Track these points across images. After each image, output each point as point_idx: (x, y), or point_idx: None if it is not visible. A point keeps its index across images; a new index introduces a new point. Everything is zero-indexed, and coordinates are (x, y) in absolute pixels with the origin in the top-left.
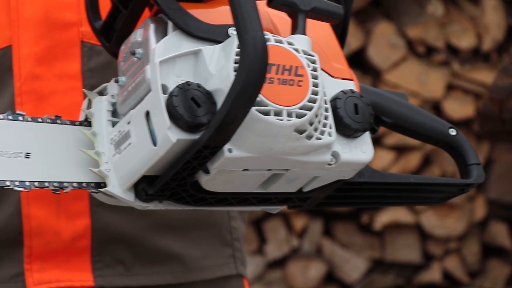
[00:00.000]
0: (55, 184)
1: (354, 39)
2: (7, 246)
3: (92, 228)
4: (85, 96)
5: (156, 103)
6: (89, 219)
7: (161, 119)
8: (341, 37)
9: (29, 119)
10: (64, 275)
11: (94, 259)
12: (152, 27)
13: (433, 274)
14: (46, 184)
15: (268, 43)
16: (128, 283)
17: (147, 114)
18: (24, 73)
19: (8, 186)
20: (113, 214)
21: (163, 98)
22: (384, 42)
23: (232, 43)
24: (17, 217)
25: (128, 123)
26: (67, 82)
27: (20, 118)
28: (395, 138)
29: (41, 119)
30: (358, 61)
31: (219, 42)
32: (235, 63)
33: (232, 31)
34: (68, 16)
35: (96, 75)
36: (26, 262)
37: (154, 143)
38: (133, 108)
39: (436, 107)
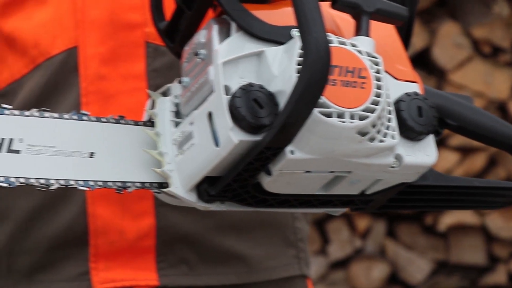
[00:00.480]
0: (118, 184)
1: (418, 39)
2: (73, 245)
3: (157, 228)
4: (149, 96)
5: (219, 104)
6: (153, 219)
7: (224, 120)
8: (406, 39)
9: (93, 119)
10: (129, 274)
11: (159, 258)
12: (215, 28)
13: (499, 276)
14: (110, 183)
15: (331, 45)
16: (193, 283)
17: (210, 115)
18: (89, 74)
19: (72, 185)
20: (177, 214)
21: (225, 99)
22: (449, 42)
23: (295, 44)
24: (83, 217)
25: (191, 123)
26: (132, 83)
27: (85, 118)
28: (460, 139)
29: (105, 119)
30: (422, 62)
31: (282, 44)
32: (298, 64)
33: (295, 33)
34: (133, 17)
35: (161, 76)
36: (92, 261)
37: (217, 144)
38: (196, 108)
39: (501, 108)
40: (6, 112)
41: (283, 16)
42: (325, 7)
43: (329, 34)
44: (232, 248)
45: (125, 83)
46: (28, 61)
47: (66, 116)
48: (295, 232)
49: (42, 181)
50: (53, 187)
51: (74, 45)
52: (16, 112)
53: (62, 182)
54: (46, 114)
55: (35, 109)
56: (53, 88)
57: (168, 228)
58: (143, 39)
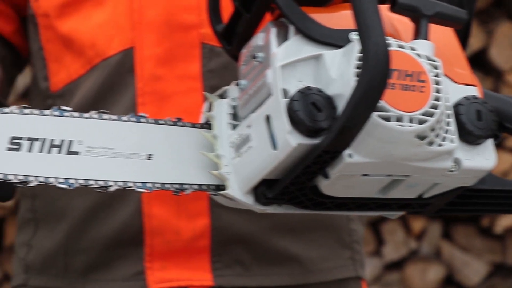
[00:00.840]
0: (176, 186)
1: (475, 39)
2: (128, 244)
3: (212, 228)
4: (206, 98)
5: (277, 107)
6: (208, 219)
7: (282, 124)
8: (463, 41)
9: (151, 121)
10: (184, 274)
11: (214, 259)
12: (273, 31)
13: None
14: (167, 185)
15: (390, 48)
16: (247, 284)
17: (268, 118)
18: (146, 74)
19: (131, 187)
20: (233, 214)
21: (283, 102)
22: (506, 43)
23: (354, 48)
24: (138, 216)
25: (249, 126)
26: (188, 83)
27: (143, 120)
28: None
29: (163, 121)
30: (479, 62)
31: (340, 47)
32: (357, 68)
33: (353, 36)
34: (189, 18)
35: (216, 76)
36: (147, 261)
37: (274, 147)
38: (253, 111)
39: None
40: (66, 114)
41: (341, 19)
42: (384, 10)
43: (388, 37)
44: (287, 249)
45: (181, 84)
46: (85, 61)
47: (124, 118)
48: (350, 233)
49: (100, 182)
50: (111, 189)
51: (131, 46)
52: (76, 114)
53: (120, 183)
54: (105, 116)
55: (94, 111)
56: (109, 88)
57: (223, 229)
58: (198, 40)
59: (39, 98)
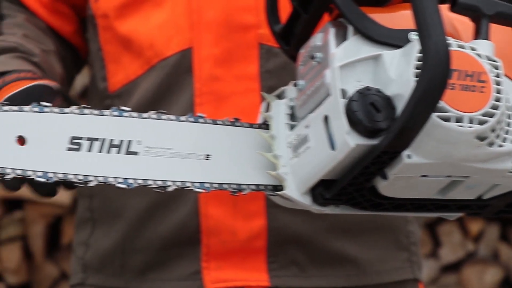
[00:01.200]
0: (233, 186)
1: None
2: (185, 244)
3: (268, 229)
4: (263, 99)
5: (335, 107)
6: (265, 220)
7: (340, 124)
8: None
9: (209, 121)
10: (240, 275)
11: (270, 259)
12: (332, 31)
13: None
14: (225, 186)
15: (450, 48)
16: (303, 284)
17: (326, 118)
18: (204, 75)
19: (189, 187)
20: (289, 215)
21: (342, 103)
22: None
23: (413, 48)
24: (195, 216)
25: (307, 127)
26: (245, 84)
27: (201, 120)
28: None
29: (221, 121)
30: None
31: (400, 47)
32: (416, 68)
33: (413, 36)
34: (247, 19)
35: (274, 77)
36: (204, 261)
37: (332, 148)
38: (311, 112)
39: None
40: (125, 114)
41: (401, 19)
42: (444, 10)
43: (448, 37)
44: (343, 250)
45: (239, 84)
46: (143, 62)
47: (183, 118)
48: (408, 235)
49: (159, 182)
50: (169, 189)
51: (189, 46)
52: (135, 114)
53: (178, 183)
54: (164, 116)
55: (153, 112)
56: (167, 88)
57: (279, 229)
58: (256, 40)
59: (97, 98)
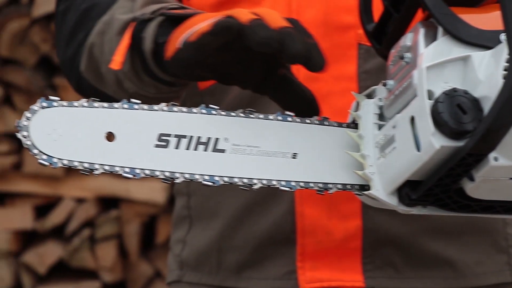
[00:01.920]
0: (319, 185)
1: None
2: (281, 243)
3: (364, 229)
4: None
5: (421, 108)
6: (360, 220)
7: (426, 125)
8: None
9: (298, 120)
10: (335, 275)
11: (365, 260)
12: (422, 31)
13: None
14: (311, 184)
15: None
16: (398, 286)
17: (412, 119)
18: (302, 74)
19: (275, 185)
20: (385, 216)
21: (428, 104)
22: None
23: (503, 49)
24: (291, 216)
25: (394, 127)
26: (343, 84)
27: (289, 119)
28: None
29: (309, 120)
30: None
31: (490, 48)
32: (504, 70)
33: (503, 37)
34: (347, 19)
35: (371, 77)
36: (299, 260)
37: (418, 149)
38: (399, 112)
39: None
40: (214, 112)
41: (493, 20)
42: None
43: None
44: (440, 252)
45: (337, 84)
46: None
47: (271, 117)
48: (507, 238)
49: (245, 180)
50: (255, 187)
51: None
52: (223, 112)
53: (264, 182)
54: (252, 115)
55: (241, 110)
56: None
57: (375, 230)
58: (356, 40)
59: (187, 95)
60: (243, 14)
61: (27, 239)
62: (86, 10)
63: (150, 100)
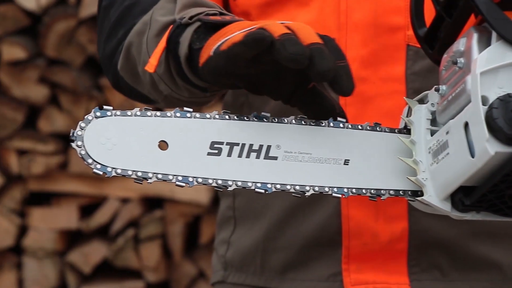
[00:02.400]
0: (372, 191)
1: None
2: (326, 245)
3: (410, 232)
4: (406, 103)
5: (476, 114)
6: (406, 223)
7: (480, 131)
8: None
9: (350, 126)
10: (381, 277)
11: (411, 262)
12: (475, 36)
13: None
14: (364, 191)
15: None
16: None
17: (466, 125)
18: None
19: (327, 192)
20: (431, 218)
21: (482, 110)
22: None
23: None
24: (336, 218)
25: (447, 133)
26: (391, 85)
27: (341, 125)
28: None
29: (361, 126)
30: None
31: None
32: None
33: None
34: (396, 20)
35: (420, 79)
36: (344, 262)
37: (472, 155)
38: (452, 118)
39: None
40: (265, 119)
41: None
42: None
43: None
44: (487, 255)
45: (384, 86)
46: None
47: (322, 123)
48: None
49: (297, 187)
50: (307, 194)
51: None
52: (275, 119)
53: (316, 188)
54: (303, 121)
55: (292, 117)
56: None
57: (421, 232)
58: (404, 41)
59: (233, 95)
60: (276, 27)
61: (72, 238)
62: (128, 7)
63: (184, 103)
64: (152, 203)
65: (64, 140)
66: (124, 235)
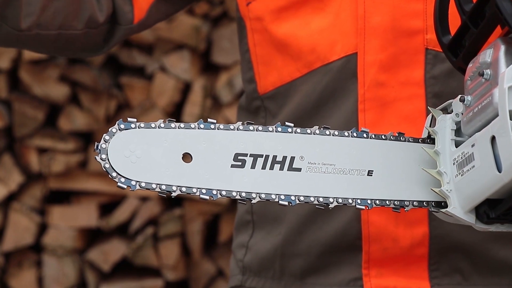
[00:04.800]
0: (395, 202)
1: None
2: (346, 250)
3: (430, 236)
4: (428, 112)
5: (503, 128)
6: (427, 227)
7: (507, 146)
8: None
9: (373, 136)
10: (401, 282)
11: (432, 267)
12: (502, 48)
13: None
14: (387, 202)
15: None
16: None
17: (493, 139)
18: (368, 80)
19: (351, 204)
20: (452, 223)
21: (510, 124)
22: None
23: None
24: (357, 223)
25: (473, 145)
26: (410, 89)
27: (364, 135)
28: None
29: (385, 136)
30: None
31: None
32: None
33: None
34: (415, 24)
35: (439, 83)
36: (364, 267)
37: (499, 170)
38: (478, 130)
39: None
40: (289, 130)
41: None
42: None
43: None
44: (509, 259)
45: (403, 90)
46: (302, 65)
47: (346, 133)
48: None
49: (321, 199)
50: (331, 205)
51: (354, 51)
52: (298, 130)
53: (340, 200)
54: (327, 132)
55: (316, 127)
56: (330, 93)
57: (442, 237)
58: (423, 45)
59: (247, 100)
60: None
61: (92, 237)
62: None
63: None
64: (172, 201)
65: (84, 138)
66: (144, 233)
